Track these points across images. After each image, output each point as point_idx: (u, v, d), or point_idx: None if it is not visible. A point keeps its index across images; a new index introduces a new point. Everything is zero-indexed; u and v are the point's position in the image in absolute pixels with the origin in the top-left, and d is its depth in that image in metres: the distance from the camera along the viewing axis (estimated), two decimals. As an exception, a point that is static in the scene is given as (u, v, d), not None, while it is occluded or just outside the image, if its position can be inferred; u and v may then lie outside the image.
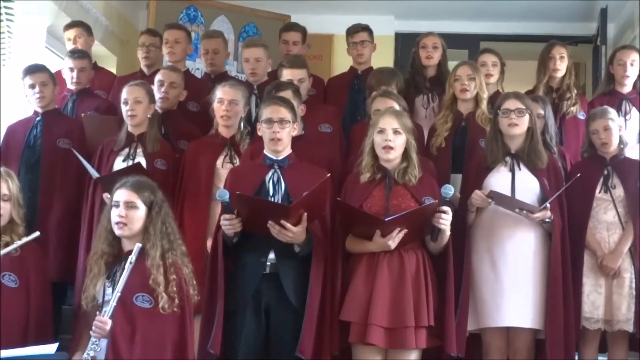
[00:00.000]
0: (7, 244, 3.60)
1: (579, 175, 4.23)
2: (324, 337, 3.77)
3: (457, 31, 7.58)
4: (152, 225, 3.52)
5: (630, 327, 4.30)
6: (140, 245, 3.46)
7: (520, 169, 4.24)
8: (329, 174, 3.79)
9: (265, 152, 3.99)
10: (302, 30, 6.13)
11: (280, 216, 3.65)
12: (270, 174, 3.92)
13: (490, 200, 4.11)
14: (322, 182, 3.69)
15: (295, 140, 4.19)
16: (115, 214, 3.52)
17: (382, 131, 3.89)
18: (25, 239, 3.62)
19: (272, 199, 3.86)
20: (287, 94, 4.38)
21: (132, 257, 3.42)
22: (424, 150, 4.76)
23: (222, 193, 3.72)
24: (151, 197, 3.57)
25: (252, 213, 3.72)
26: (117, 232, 3.52)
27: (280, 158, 3.95)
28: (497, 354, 4.18)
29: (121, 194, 3.55)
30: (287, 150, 3.99)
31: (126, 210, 3.51)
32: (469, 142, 4.83)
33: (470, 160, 4.69)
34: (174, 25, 6.13)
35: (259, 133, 4.03)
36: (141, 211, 3.54)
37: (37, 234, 3.68)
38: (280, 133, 3.91)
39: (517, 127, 4.23)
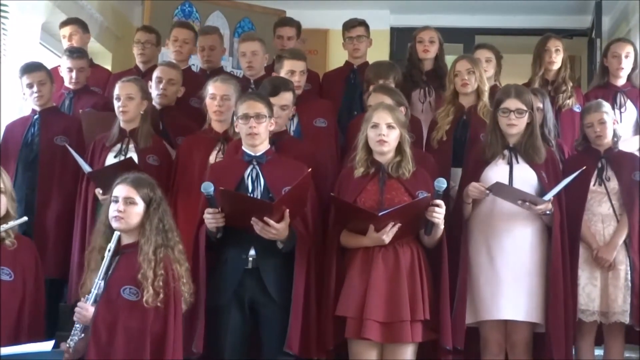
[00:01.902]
0: (2, 240, 3.61)
1: (585, 167, 4.24)
2: (310, 332, 3.78)
3: (452, 25, 7.59)
4: (148, 221, 3.53)
5: (626, 319, 4.31)
6: (119, 233, 3.51)
7: (518, 162, 4.23)
8: (310, 169, 3.77)
9: (244, 148, 3.98)
10: (297, 25, 6.13)
11: (263, 213, 3.65)
12: (249, 170, 3.91)
13: (487, 192, 4.10)
14: (303, 177, 3.69)
15: (290, 136, 4.19)
16: (113, 209, 3.54)
17: (375, 126, 3.90)
18: (13, 222, 3.63)
19: (252, 195, 3.85)
20: (288, 96, 4.40)
21: (110, 245, 3.48)
22: (421, 144, 4.76)
23: (206, 186, 3.71)
24: (150, 194, 3.58)
25: (235, 209, 3.72)
26: (114, 225, 3.53)
27: (258, 154, 3.94)
28: (495, 347, 4.18)
29: (121, 190, 3.56)
30: (265, 146, 3.98)
31: (125, 206, 3.53)
32: (471, 136, 4.83)
33: (470, 154, 4.70)
34: (184, 24, 6.15)
35: (236, 129, 4.03)
36: (139, 207, 3.55)
37: (24, 218, 3.70)
38: (257, 128, 3.90)
39: (516, 127, 4.21)
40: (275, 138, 4.21)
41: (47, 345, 3.24)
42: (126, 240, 3.56)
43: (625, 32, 7.15)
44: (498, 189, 4.08)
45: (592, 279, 4.39)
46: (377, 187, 3.88)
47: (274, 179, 3.88)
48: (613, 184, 4.44)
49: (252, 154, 3.94)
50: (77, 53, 5.52)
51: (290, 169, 3.88)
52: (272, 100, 4.26)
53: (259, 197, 3.84)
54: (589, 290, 4.37)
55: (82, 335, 3.45)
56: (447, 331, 3.81)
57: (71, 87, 5.49)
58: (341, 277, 3.85)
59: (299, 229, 3.82)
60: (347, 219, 3.87)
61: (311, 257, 3.87)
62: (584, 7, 7.63)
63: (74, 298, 4.47)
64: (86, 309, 3.44)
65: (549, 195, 4.04)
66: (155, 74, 5.21)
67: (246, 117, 3.91)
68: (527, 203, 4.06)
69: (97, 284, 3.47)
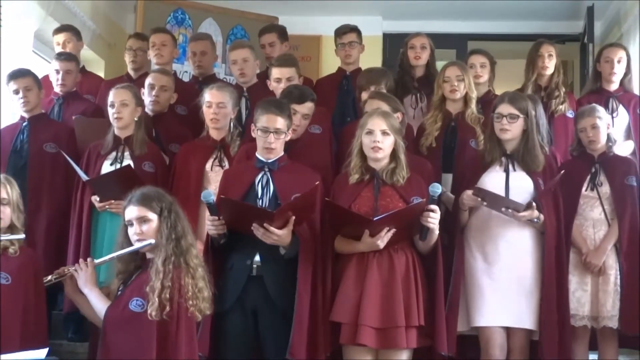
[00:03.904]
0: (6, 248, 3.59)
1: (562, 172, 4.23)
2: (317, 338, 3.77)
3: (445, 31, 7.61)
4: (159, 232, 3.47)
5: (615, 324, 4.32)
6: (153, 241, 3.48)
7: (514, 170, 4.23)
8: (318, 182, 3.80)
9: (257, 154, 4.00)
10: (278, 30, 6.12)
11: (264, 220, 3.65)
12: (260, 176, 3.94)
13: (480, 200, 4.10)
14: (311, 189, 3.71)
15: (289, 143, 4.21)
16: (132, 233, 3.49)
17: (370, 132, 3.90)
18: (9, 236, 3.60)
19: (260, 202, 3.88)
20: (311, 105, 4.44)
21: (138, 244, 3.47)
22: (414, 149, 4.76)
23: (206, 194, 3.75)
24: (160, 205, 3.51)
25: (236, 216, 3.73)
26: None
27: (270, 161, 3.96)
28: (497, 350, 4.13)
29: (131, 212, 3.50)
30: (279, 153, 4.00)
31: (140, 227, 3.48)
32: (459, 142, 4.85)
33: (460, 160, 4.71)
34: (159, 29, 6.11)
35: (253, 134, 4.03)
36: (154, 222, 3.48)
37: (22, 235, 3.66)
38: (275, 143, 3.93)
39: (509, 132, 4.22)
40: (289, 145, 4.25)
41: (41, 353, 3.23)
42: (149, 255, 3.53)
43: (617, 36, 7.17)
44: (482, 195, 4.08)
45: (582, 283, 4.40)
46: (372, 193, 3.89)
47: (284, 185, 3.89)
48: (605, 189, 4.46)
49: (265, 160, 3.96)
50: (64, 55, 5.52)
51: (302, 177, 3.91)
52: (297, 107, 4.32)
53: (267, 203, 3.87)
54: (579, 295, 4.38)
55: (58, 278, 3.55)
56: (442, 337, 3.81)
57: (59, 90, 5.45)
58: (335, 283, 3.85)
59: (304, 234, 3.82)
60: (342, 224, 3.87)
61: (317, 263, 3.87)
62: (576, 12, 7.65)
63: (68, 307, 4.46)
64: (85, 267, 3.50)
65: (530, 202, 4.05)
66: (148, 80, 5.20)
67: (266, 130, 3.92)
68: (510, 210, 4.07)
69: (110, 256, 3.55)
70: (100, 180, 4.51)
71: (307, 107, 4.43)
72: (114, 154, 4.66)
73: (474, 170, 4.34)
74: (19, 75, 4.99)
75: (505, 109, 4.22)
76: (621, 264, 4.38)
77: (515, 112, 4.20)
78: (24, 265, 3.60)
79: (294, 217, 3.69)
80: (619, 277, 4.37)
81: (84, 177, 4.52)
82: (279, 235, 3.68)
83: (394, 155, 3.93)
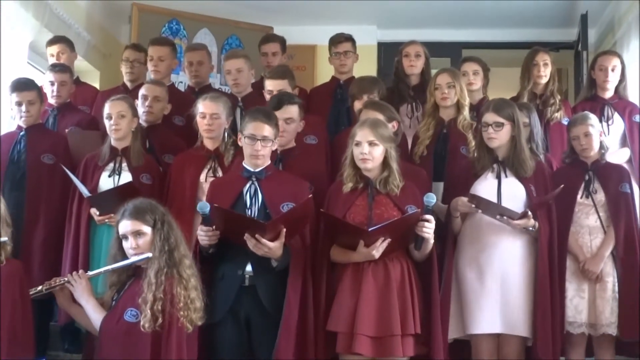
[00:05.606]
0: None
1: (562, 186, 4.22)
2: (307, 347, 3.77)
3: (440, 39, 7.61)
4: (153, 245, 3.48)
5: (614, 331, 4.33)
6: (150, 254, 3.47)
7: (506, 176, 4.24)
8: (310, 195, 3.79)
9: (244, 164, 3.99)
10: (281, 40, 6.14)
11: (256, 231, 3.65)
12: (247, 186, 3.93)
13: (474, 206, 4.11)
14: (303, 202, 3.70)
15: (283, 153, 4.19)
16: (127, 247, 3.50)
17: (358, 144, 3.90)
18: None
19: (249, 211, 3.86)
20: (293, 109, 4.39)
21: (134, 258, 3.46)
22: (407, 158, 4.76)
23: (202, 205, 3.73)
24: (153, 217, 3.52)
25: (229, 226, 3.72)
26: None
27: (257, 170, 3.94)
28: (487, 357, 4.17)
29: (125, 226, 3.51)
30: (266, 162, 3.99)
31: (135, 240, 3.48)
32: (451, 149, 4.86)
33: (452, 168, 4.71)
34: (158, 41, 6.06)
35: (239, 143, 4.03)
36: (149, 235, 3.50)
37: (5, 238, 3.64)
38: (262, 150, 3.92)
39: (496, 140, 4.24)
40: (284, 155, 4.24)
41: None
42: (143, 265, 3.52)
43: (611, 44, 7.19)
44: (478, 202, 4.09)
45: (579, 291, 4.41)
46: (366, 202, 3.88)
47: (272, 195, 3.89)
48: (600, 196, 4.46)
49: (252, 169, 3.95)
50: (59, 67, 5.50)
51: (290, 185, 3.91)
52: (277, 114, 4.28)
53: (256, 213, 3.86)
54: (577, 302, 4.38)
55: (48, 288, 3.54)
56: (438, 345, 3.80)
57: (53, 101, 5.44)
58: (331, 292, 3.84)
59: (294, 244, 3.81)
60: (337, 235, 3.86)
61: (307, 271, 3.87)
62: (570, 19, 7.66)
63: (64, 319, 4.45)
64: (79, 278, 3.49)
65: (526, 210, 4.05)
66: (141, 92, 5.19)
67: (253, 138, 3.90)
68: (505, 217, 4.07)
69: (104, 269, 3.55)
70: (101, 196, 4.50)
71: (288, 112, 4.37)
72: (111, 165, 4.67)
73: (465, 178, 4.35)
74: (24, 88, 4.94)
75: (490, 117, 4.23)
76: (618, 270, 4.38)
77: (500, 119, 4.21)
78: (9, 275, 3.58)
79: (285, 230, 3.68)
80: (616, 284, 4.37)
81: (86, 193, 4.49)
82: (271, 247, 3.67)
83: (385, 164, 3.92)
